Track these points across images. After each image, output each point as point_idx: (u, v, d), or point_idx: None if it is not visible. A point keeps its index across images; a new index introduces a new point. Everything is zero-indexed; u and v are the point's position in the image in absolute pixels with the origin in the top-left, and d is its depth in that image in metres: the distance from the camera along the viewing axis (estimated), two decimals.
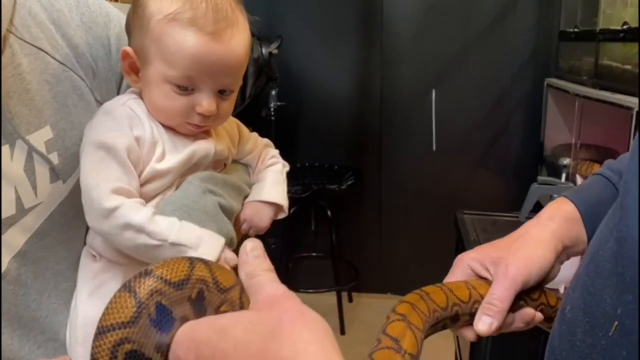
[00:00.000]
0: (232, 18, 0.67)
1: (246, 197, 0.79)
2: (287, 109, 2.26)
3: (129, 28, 0.70)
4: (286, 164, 0.84)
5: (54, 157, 0.63)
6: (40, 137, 0.62)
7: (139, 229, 0.62)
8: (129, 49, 0.68)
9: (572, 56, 2.33)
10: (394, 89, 2.72)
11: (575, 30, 2.26)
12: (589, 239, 0.61)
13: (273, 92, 2.09)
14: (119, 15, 0.74)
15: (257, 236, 0.80)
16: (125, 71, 0.70)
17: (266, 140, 0.85)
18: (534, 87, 2.59)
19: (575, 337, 0.41)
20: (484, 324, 0.57)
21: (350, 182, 2.60)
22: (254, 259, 0.42)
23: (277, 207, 0.79)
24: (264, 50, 1.87)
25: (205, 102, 0.67)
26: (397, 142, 2.78)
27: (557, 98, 2.46)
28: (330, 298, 2.75)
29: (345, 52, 2.75)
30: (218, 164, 0.76)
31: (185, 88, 0.67)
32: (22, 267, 0.61)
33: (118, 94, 0.74)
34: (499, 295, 0.58)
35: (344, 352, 0.39)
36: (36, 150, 0.61)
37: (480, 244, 1.73)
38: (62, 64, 0.65)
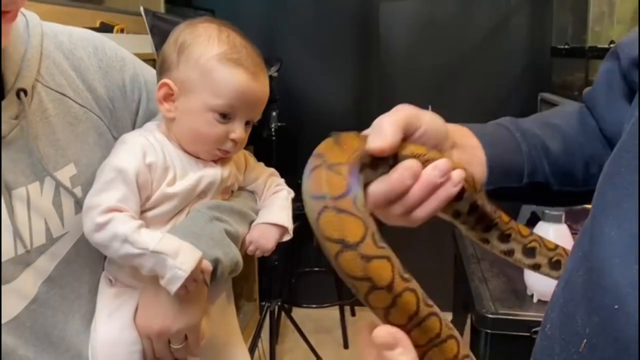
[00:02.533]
0: (262, 64, 0.79)
1: (252, 222, 0.85)
2: (288, 128, 2.32)
3: (167, 64, 0.78)
4: (291, 191, 0.89)
5: (78, 191, 0.69)
6: (65, 174, 0.68)
7: (124, 239, 0.68)
8: (168, 81, 0.76)
9: (564, 72, 2.39)
10: (391, 106, 2.75)
11: (566, 47, 2.33)
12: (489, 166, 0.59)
13: (274, 113, 2.16)
14: (132, 59, 0.81)
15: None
16: (159, 100, 0.77)
17: (272, 170, 0.91)
18: (529, 101, 2.65)
19: (553, 352, 0.46)
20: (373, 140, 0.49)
21: None
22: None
23: (283, 229, 0.84)
24: None
25: (238, 129, 0.78)
26: None
27: None
28: (334, 313, 2.79)
29: (343, 72, 2.82)
30: (226, 190, 0.83)
31: (225, 116, 0.77)
32: (51, 290, 0.67)
33: (133, 128, 0.80)
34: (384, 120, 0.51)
35: None
36: (62, 185, 0.67)
37: (477, 254, 1.77)
38: (82, 106, 0.72)
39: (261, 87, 0.79)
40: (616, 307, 0.39)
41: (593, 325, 0.41)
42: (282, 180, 0.91)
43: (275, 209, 0.86)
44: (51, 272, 0.67)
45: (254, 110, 0.80)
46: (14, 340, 0.62)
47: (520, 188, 0.63)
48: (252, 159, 0.89)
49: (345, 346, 2.70)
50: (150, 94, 0.81)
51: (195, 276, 0.70)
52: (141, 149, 0.74)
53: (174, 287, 0.69)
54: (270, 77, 1.98)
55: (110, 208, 0.69)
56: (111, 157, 0.73)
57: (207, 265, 0.72)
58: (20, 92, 0.63)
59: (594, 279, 0.42)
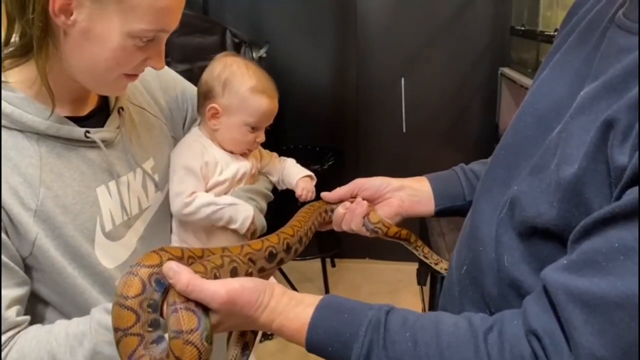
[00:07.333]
0: (273, 86, 1.09)
1: (268, 197, 1.16)
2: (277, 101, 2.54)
3: (214, 93, 1.04)
4: (293, 160, 1.23)
5: (156, 177, 0.96)
6: (148, 165, 0.94)
7: (209, 204, 0.98)
8: (216, 105, 1.04)
9: (521, 50, 2.63)
10: (368, 79, 3.01)
11: (522, 28, 2.56)
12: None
13: None
14: (181, 78, 1.09)
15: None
16: (208, 119, 1.05)
17: (275, 154, 1.22)
18: (490, 75, 2.90)
19: (452, 278, 0.77)
20: None
21: (331, 162, 2.86)
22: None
23: (311, 177, 1.19)
24: (254, 55, 2.17)
25: (262, 135, 1.10)
26: (371, 125, 3.08)
27: (509, 85, 2.76)
28: (316, 264, 3.03)
29: (324, 49, 3.03)
30: (253, 176, 1.14)
31: (254, 128, 1.07)
32: (142, 245, 0.92)
33: (183, 129, 1.08)
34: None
35: None
36: (147, 173, 0.93)
37: (438, 215, 2.07)
38: (154, 116, 0.98)
39: (276, 105, 1.10)
40: (481, 249, 0.71)
41: (469, 258, 0.73)
42: (282, 157, 1.24)
43: (297, 168, 1.20)
44: (142, 232, 0.92)
45: (271, 120, 1.11)
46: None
47: (465, 205, 0.95)
48: (264, 151, 1.20)
49: (327, 293, 2.85)
50: (194, 105, 1.09)
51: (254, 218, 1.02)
52: (200, 151, 1.04)
53: (247, 223, 1.00)
54: (260, 57, 2.23)
55: (191, 192, 0.98)
56: (181, 157, 1.01)
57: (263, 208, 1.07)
58: (120, 109, 0.88)
59: (472, 231, 0.73)
